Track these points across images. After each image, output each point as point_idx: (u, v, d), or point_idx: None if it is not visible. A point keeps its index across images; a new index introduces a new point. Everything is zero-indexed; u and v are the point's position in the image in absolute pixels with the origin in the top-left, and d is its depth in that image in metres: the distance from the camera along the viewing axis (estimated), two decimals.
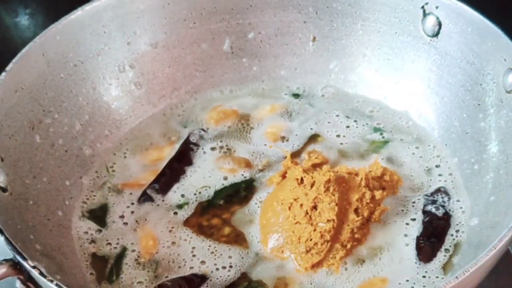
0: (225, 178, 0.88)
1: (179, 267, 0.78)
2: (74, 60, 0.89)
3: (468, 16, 0.85)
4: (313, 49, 1.00)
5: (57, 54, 0.87)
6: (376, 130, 0.94)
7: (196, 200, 0.86)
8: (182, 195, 0.86)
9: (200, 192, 0.86)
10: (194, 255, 0.79)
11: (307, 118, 0.96)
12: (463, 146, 0.88)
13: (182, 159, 0.90)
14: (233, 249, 0.80)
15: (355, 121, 0.95)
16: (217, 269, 0.78)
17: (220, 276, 0.77)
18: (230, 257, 0.79)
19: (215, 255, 0.79)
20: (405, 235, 0.80)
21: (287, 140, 0.93)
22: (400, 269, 0.77)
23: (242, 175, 0.88)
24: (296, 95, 1.00)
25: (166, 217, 0.84)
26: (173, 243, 0.81)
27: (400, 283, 0.75)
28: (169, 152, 0.91)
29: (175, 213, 0.84)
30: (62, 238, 0.81)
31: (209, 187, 0.87)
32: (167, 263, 0.79)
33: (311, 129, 0.94)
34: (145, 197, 0.86)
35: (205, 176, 0.88)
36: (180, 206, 0.85)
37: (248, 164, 0.89)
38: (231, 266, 0.78)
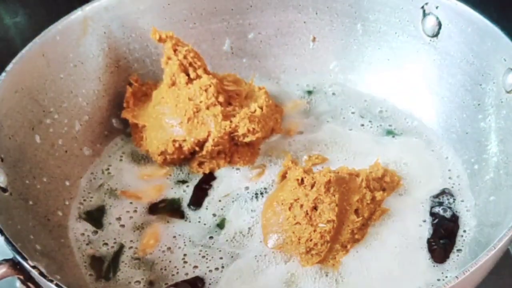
0: (246, 188, 0.87)
1: (173, 274, 0.78)
2: (74, 61, 0.89)
3: (468, 16, 0.85)
4: (313, 49, 1.00)
5: (57, 54, 0.87)
6: (387, 132, 0.94)
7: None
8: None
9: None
10: (185, 262, 0.79)
11: (303, 113, 0.97)
12: (463, 146, 0.88)
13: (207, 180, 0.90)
14: (223, 250, 0.80)
15: (353, 112, 0.96)
16: (210, 271, 0.78)
17: (214, 277, 0.77)
18: (221, 258, 0.79)
19: (206, 258, 0.80)
20: (420, 238, 0.80)
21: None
22: (414, 272, 0.77)
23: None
24: (296, 95, 1.00)
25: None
26: (169, 248, 0.81)
27: None
28: (164, 171, 0.90)
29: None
30: (62, 238, 0.82)
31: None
32: (159, 269, 0.79)
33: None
34: None
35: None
36: None
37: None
38: (223, 267, 0.79)
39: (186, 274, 0.78)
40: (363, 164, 0.85)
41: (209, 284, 0.77)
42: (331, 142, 0.92)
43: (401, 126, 0.94)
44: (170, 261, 0.80)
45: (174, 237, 0.82)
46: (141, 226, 0.83)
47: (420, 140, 0.92)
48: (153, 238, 0.82)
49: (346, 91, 0.99)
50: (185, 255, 0.80)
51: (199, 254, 0.80)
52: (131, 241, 0.82)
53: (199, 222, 0.84)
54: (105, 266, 0.80)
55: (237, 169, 0.89)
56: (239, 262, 0.79)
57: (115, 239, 0.82)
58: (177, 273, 0.78)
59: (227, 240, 0.81)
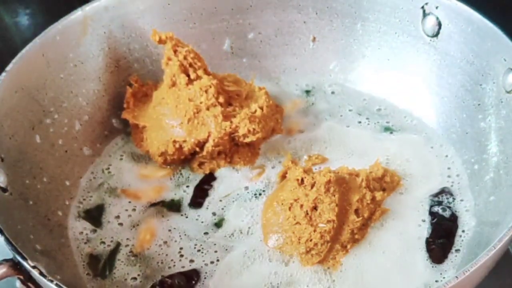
0: (246, 188, 0.88)
1: (169, 267, 0.79)
2: (74, 61, 0.89)
3: (468, 16, 0.85)
4: (313, 49, 1.00)
5: (57, 54, 0.87)
6: (385, 128, 0.94)
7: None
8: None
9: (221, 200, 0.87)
10: (181, 255, 0.80)
11: (302, 112, 0.97)
12: (463, 146, 0.88)
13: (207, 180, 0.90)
14: (218, 243, 0.81)
15: (350, 110, 0.96)
16: (206, 264, 0.79)
17: (209, 271, 0.78)
18: (215, 251, 0.80)
19: (202, 252, 0.80)
20: (419, 238, 0.80)
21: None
22: (412, 273, 0.77)
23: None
24: (295, 95, 1.00)
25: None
26: (165, 242, 0.81)
27: None
28: (165, 172, 0.90)
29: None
30: (62, 238, 0.82)
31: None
32: (155, 263, 0.79)
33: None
34: None
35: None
36: None
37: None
38: (218, 260, 0.79)
39: (183, 267, 0.78)
40: (362, 161, 0.86)
41: (204, 278, 0.77)
42: (329, 139, 0.92)
43: (400, 123, 0.95)
44: (166, 255, 0.80)
45: (170, 230, 0.82)
46: (138, 223, 0.84)
47: (419, 137, 0.92)
48: (149, 233, 0.82)
49: (345, 91, 0.99)
50: (181, 248, 0.80)
51: (195, 247, 0.80)
52: (127, 239, 0.82)
53: (197, 220, 0.84)
54: (101, 264, 0.80)
55: (237, 169, 0.89)
56: (233, 256, 0.79)
57: (112, 237, 0.82)
58: (174, 266, 0.79)
59: (225, 236, 0.81)
